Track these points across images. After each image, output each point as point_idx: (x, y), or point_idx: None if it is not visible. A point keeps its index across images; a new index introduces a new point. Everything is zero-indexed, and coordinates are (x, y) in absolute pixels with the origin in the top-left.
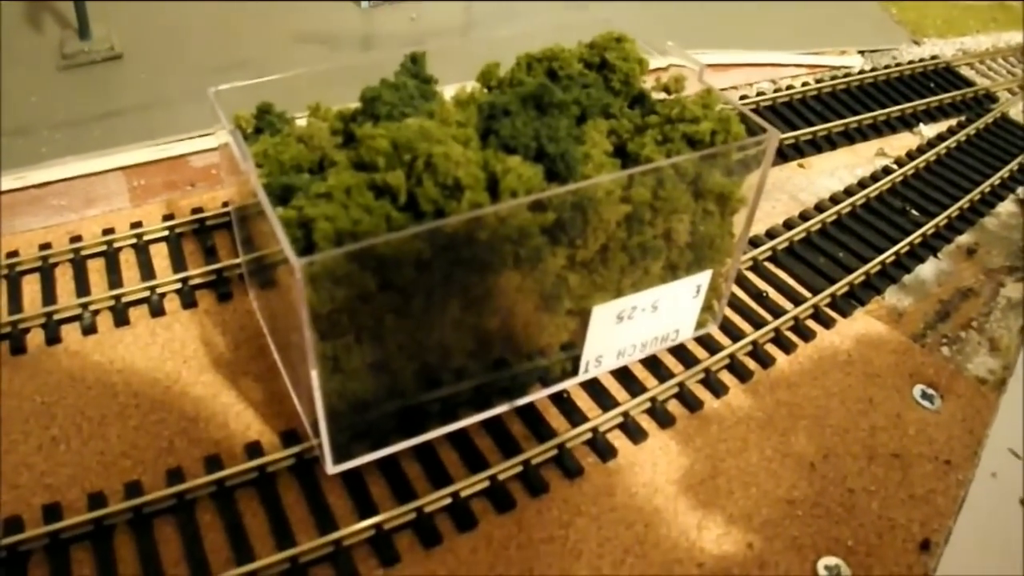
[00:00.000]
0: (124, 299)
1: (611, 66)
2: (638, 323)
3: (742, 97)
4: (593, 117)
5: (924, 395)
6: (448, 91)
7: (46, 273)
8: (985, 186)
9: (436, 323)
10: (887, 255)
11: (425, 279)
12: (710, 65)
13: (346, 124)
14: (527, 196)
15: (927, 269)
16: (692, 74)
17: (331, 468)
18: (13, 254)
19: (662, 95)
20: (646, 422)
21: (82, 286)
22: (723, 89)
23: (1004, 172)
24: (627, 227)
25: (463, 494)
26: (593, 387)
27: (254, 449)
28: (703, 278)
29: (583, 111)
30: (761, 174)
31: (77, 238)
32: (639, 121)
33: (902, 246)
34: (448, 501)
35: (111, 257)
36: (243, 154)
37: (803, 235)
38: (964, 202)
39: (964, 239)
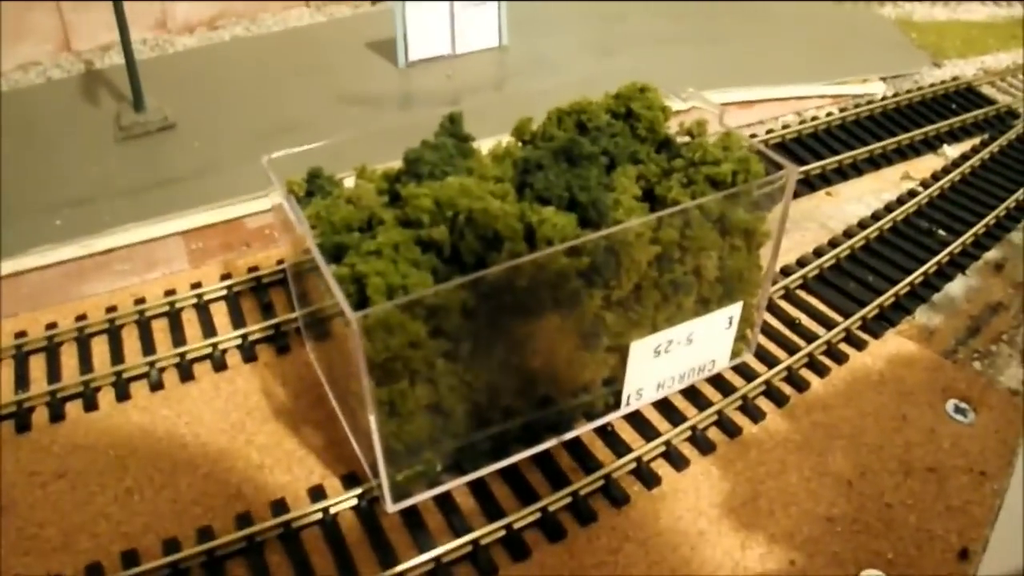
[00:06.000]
0: (188, 356)
1: (636, 115)
2: (675, 356)
3: (768, 131)
4: (622, 164)
5: (957, 409)
6: (485, 144)
7: (113, 334)
8: (1010, 201)
9: (484, 365)
10: (916, 275)
11: (471, 325)
12: (736, 103)
13: (391, 184)
14: (562, 244)
15: (956, 286)
16: (714, 116)
17: (391, 507)
18: (82, 318)
19: (686, 138)
20: (688, 450)
21: (148, 345)
22: (749, 124)
23: None
24: (658, 266)
25: (516, 525)
26: (635, 419)
27: (318, 492)
28: (735, 310)
29: (612, 159)
30: (783, 208)
31: (141, 300)
32: (665, 165)
33: (930, 266)
34: (502, 533)
35: (174, 317)
36: (298, 219)
37: (832, 261)
38: (990, 218)
39: (992, 255)
